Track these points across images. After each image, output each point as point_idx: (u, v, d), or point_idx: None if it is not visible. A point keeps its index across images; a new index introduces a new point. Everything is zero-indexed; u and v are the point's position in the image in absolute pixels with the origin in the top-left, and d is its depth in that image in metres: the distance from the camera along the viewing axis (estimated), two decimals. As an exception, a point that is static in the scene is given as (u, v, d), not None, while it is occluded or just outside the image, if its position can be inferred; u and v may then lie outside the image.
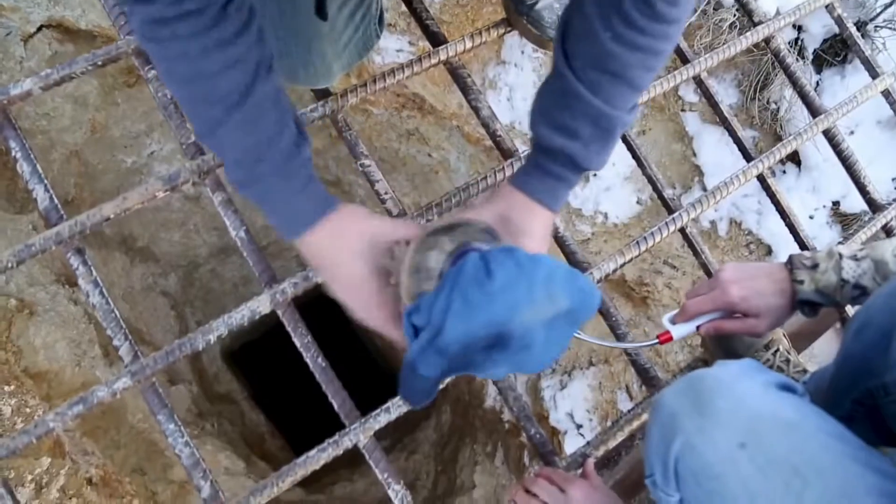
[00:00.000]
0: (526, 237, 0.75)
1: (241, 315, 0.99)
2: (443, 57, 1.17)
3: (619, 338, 1.17)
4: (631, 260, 1.18)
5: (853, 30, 1.49)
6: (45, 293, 1.94)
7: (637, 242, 1.18)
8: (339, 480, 2.73)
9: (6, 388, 1.62)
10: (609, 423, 1.13)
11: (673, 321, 1.00)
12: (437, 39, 1.20)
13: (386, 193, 1.10)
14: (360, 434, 0.99)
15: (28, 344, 1.80)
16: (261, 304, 1.00)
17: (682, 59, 1.35)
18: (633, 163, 1.30)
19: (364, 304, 0.74)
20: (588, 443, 1.11)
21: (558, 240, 1.19)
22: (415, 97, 2.17)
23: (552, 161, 0.75)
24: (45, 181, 0.98)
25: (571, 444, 1.93)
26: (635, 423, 1.12)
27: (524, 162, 0.78)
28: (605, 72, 0.70)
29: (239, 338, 3.62)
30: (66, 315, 1.96)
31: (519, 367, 0.67)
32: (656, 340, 1.00)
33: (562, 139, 0.73)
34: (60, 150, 2.25)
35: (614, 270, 1.16)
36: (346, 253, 0.73)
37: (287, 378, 3.72)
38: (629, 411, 1.14)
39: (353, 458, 2.79)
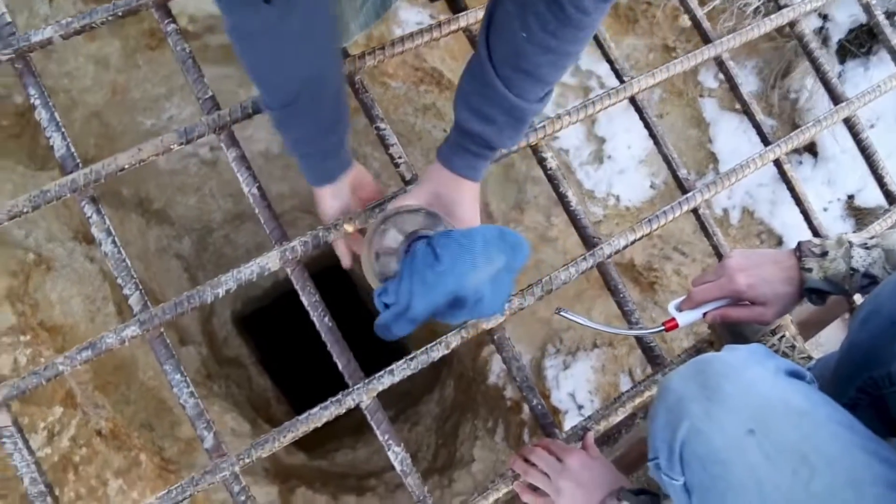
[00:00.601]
0: (458, 206, 0.89)
1: (250, 270, 1.00)
2: (463, 24, 1.16)
3: (626, 315, 1.18)
4: (641, 238, 1.18)
5: (881, 17, 1.46)
6: (62, 249, 1.96)
7: (649, 220, 1.18)
8: (342, 448, 2.76)
9: (22, 337, 1.65)
10: (611, 400, 1.14)
11: (679, 308, 1.00)
12: (457, 6, 1.19)
13: (400, 158, 1.10)
14: (363, 394, 1.00)
15: (44, 298, 1.83)
16: (270, 261, 1.01)
17: (704, 39, 1.33)
18: (649, 146, 1.29)
19: (326, 220, 1.03)
20: (589, 417, 1.12)
21: (570, 214, 1.18)
22: (433, 72, 2.16)
23: (470, 141, 0.86)
24: (63, 129, 1.00)
25: (572, 425, 1.94)
26: (637, 401, 1.13)
27: (449, 136, 0.89)
28: (518, 70, 0.79)
29: (250, 303, 3.66)
30: (83, 272, 1.99)
31: (477, 315, 0.81)
32: (662, 328, 1.00)
33: (479, 125, 0.84)
34: (82, 110, 2.26)
35: (624, 247, 1.16)
36: (330, 199, 1.00)
37: (295, 346, 3.77)
38: (631, 388, 1.14)
39: (357, 427, 2.83)
